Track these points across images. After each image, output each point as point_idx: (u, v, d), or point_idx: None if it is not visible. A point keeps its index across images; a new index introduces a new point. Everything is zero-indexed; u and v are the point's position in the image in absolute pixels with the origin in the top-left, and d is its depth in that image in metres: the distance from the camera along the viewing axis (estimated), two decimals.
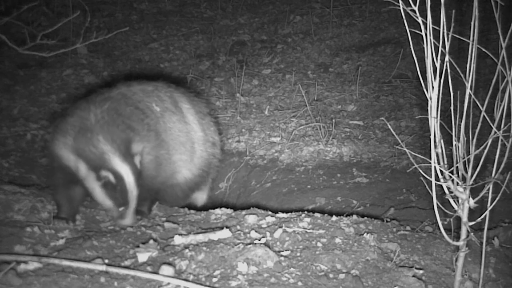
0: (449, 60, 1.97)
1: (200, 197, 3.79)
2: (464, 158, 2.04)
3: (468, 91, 2.00)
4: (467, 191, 2.04)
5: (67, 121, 2.78)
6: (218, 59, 5.92)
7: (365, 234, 2.56)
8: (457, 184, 2.03)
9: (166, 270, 2.26)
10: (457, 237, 2.16)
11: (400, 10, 2.00)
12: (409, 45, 2.02)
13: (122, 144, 2.67)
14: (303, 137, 4.45)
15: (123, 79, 3.29)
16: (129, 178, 2.65)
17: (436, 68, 1.97)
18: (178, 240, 2.54)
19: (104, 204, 2.75)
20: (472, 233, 2.08)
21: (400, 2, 1.99)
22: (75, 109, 2.85)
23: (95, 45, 5.57)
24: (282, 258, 2.36)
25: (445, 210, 2.08)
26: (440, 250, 2.52)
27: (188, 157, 3.24)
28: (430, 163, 2.04)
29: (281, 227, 2.61)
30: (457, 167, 2.03)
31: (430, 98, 2.01)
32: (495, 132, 1.98)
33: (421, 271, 2.32)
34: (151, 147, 2.86)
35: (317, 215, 2.80)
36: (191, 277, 2.25)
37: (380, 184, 3.71)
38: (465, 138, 2.04)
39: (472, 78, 1.99)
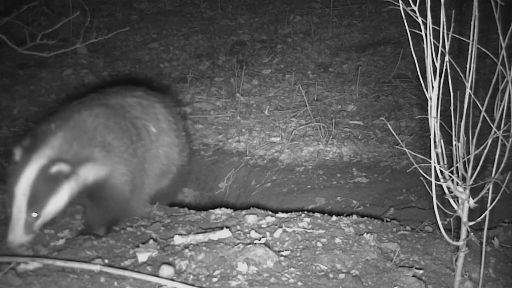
0: (449, 60, 1.97)
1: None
2: (464, 158, 2.04)
3: (468, 91, 2.00)
4: (467, 191, 2.04)
5: (51, 117, 2.55)
6: (218, 59, 5.92)
7: (365, 234, 2.56)
8: (457, 184, 2.03)
9: (166, 270, 2.26)
10: (457, 237, 2.16)
11: (400, 10, 2.00)
12: (409, 45, 2.02)
13: (76, 153, 2.39)
14: (303, 137, 4.45)
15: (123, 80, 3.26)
16: (29, 174, 2.29)
17: (436, 68, 1.97)
18: (178, 240, 2.54)
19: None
20: (472, 233, 2.08)
21: (400, 2, 1.98)
22: (64, 112, 2.61)
23: (95, 45, 5.57)
24: (282, 258, 2.36)
25: (445, 210, 2.08)
26: (440, 250, 2.52)
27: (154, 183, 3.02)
28: (430, 163, 2.04)
29: (281, 227, 2.61)
30: (457, 167, 2.03)
31: (430, 98, 2.01)
32: (495, 132, 1.98)
33: (421, 271, 2.32)
34: (120, 173, 2.60)
35: (317, 215, 2.80)
36: (191, 277, 2.25)
37: (380, 184, 3.71)
38: (465, 138, 2.04)
39: (472, 78, 1.99)
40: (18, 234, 2.30)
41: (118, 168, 2.57)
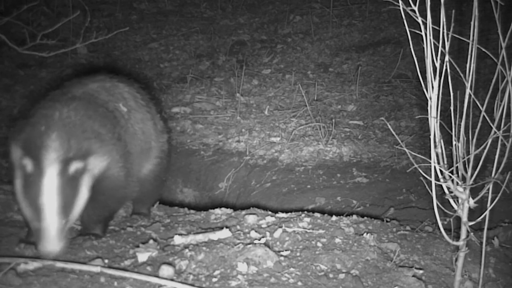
0: (449, 60, 1.97)
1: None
2: (464, 158, 2.04)
3: (468, 91, 2.00)
4: (467, 191, 2.04)
5: (28, 122, 2.44)
6: (218, 59, 5.92)
7: (365, 234, 2.56)
8: (457, 184, 2.03)
9: (166, 270, 2.26)
10: (457, 237, 2.16)
11: (400, 10, 2.00)
12: (409, 45, 2.02)
13: (77, 150, 2.32)
14: (303, 137, 4.45)
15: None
16: (51, 178, 2.22)
17: (436, 68, 1.97)
18: (178, 240, 2.54)
19: (21, 207, 2.33)
20: (472, 233, 2.08)
21: (400, 2, 1.99)
22: (38, 110, 2.50)
23: (95, 45, 5.58)
24: (282, 258, 2.36)
25: (445, 210, 2.08)
26: (440, 250, 2.52)
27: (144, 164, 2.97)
28: (430, 163, 2.04)
29: (281, 227, 2.61)
30: (457, 167, 2.03)
31: (430, 98, 2.01)
32: (495, 132, 1.98)
33: (421, 271, 2.32)
34: (115, 161, 2.54)
35: (317, 215, 2.80)
36: (191, 277, 2.25)
37: (380, 184, 3.71)
38: (465, 138, 2.04)
39: (472, 78, 1.99)
40: (54, 244, 2.25)
41: (113, 156, 2.51)
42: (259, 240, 2.51)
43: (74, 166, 2.29)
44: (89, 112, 2.50)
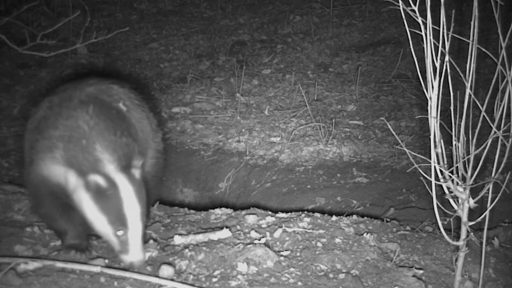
0: (449, 60, 1.97)
1: None
2: (464, 158, 2.04)
3: (468, 91, 2.00)
4: (467, 191, 2.04)
5: (51, 135, 2.38)
6: (218, 59, 5.92)
7: (365, 234, 2.56)
8: (457, 184, 2.03)
9: (166, 270, 2.26)
10: (457, 237, 2.16)
11: (400, 10, 2.00)
12: (409, 45, 2.02)
13: (123, 156, 2.32)
14: (303, 137, 4.45)
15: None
16: (126, 186, 2.24)
17: (436, 68, 1.97)
18: (178, 240, 2.54)
19: (97, 225, 2.28)
20: (472, 233, 2.08)
21: (400, 2, 1.99)
22: (55, 121, 2.43)
23: (95, 45, 5.57)
24: (282, 258, 2.36)
25: (445, 210, 2.08)
26: (440, 250, 2.52)
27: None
28: (430, 163, 2.04)
29: (281, 227, 2.61)
30: (457, 167, 2.04)
31: (430, 98, 2.02)
32: (495, 132, 1.98)
33: (421, 271, 2.33)
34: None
35: (317, 215, 2.80)
36: (191, 277, 2.25)
37: (380, 184, 3.71)
38: (465, 138, 2.04)
39: (472, 78, 1.99)
40: (143, 252, 2.29)
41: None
42: (259, 240, 2.51)
43: (136, 170, 2.31)
44: (107, 115, 2.48)
